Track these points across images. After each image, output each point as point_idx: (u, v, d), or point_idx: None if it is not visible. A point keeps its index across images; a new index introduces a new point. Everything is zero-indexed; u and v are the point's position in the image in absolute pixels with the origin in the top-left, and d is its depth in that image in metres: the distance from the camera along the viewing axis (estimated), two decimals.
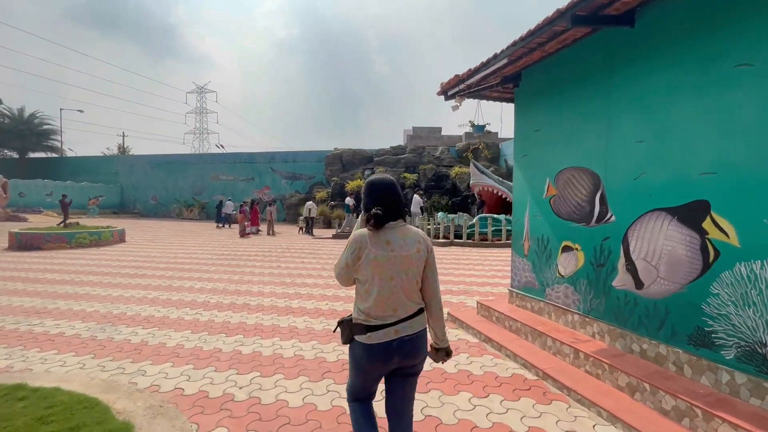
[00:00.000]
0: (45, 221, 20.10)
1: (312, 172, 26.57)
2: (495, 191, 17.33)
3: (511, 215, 16.46)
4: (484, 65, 3.67)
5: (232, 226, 20.91)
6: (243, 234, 15.91)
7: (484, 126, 4.60)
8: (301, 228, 17.49)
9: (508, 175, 21.58)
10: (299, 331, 4.23)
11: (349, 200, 16.53)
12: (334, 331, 2.08)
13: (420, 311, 1.73)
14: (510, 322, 3.92)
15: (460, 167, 22.35)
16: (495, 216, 14.35)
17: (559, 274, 3.62)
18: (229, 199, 21.70)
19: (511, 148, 23.32)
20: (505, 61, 3.50)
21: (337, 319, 1.79)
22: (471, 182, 17.75)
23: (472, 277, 7.33)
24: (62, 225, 15.43)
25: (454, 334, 4.14)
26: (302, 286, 6.54)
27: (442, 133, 30.08)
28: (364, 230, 1.67)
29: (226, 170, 28.14)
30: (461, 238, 12.86)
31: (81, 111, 34.94)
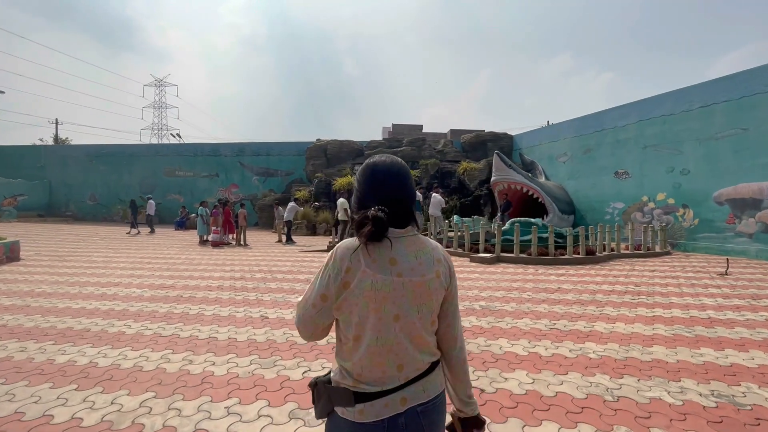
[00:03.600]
0: None
1: (290, 168, 22.42)
2: (524, 189, 14.14)
3: (545, 218, 13.38)
4: None
5: (156, 231, 16.32)
6: (214, 244, 11.77)
7: None
8: (281, 236, 13.50)
9: (524, 170, 18.53)
10: None
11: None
12: (313, 402, 1.08)
13: (434, 366, 1.09)
14: None
15: (468, 162, 19.08)
16: (529, 220, 11.03)
17: None
18: (150, 197, 16.83)
19: (527, 141, 20.48)
20: None
21: (313, 379, 1.09)
22: (493, 178, 14.43)
23: (656, 348, 3.83)
24: None
25: None
26: None
27: (424, 130, 26.97)
28: (353, 242, 1.02)
29: (184, 164, 23.42)
30: (510, 252, 9.40)
31: (2, 92, 28.74)
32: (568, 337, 3.93)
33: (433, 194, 11.95)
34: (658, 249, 10.85)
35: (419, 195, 12.12)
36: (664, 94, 12.47)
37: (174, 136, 37.20)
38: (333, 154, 20.81)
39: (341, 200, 11.40)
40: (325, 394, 1.05)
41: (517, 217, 11.93)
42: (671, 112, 12.13)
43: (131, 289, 5.96)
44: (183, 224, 19.48)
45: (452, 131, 25.18)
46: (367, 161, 1.12)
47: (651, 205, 12.72)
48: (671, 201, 12.12)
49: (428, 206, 12.46)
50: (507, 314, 4.76)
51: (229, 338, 3.85)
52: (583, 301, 5.44)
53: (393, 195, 1.06)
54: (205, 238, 12.88)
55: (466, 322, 4.42)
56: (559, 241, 9.81)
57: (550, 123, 27.69)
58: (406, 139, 20.85)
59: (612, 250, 10.22)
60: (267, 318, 4.53)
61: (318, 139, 21.85)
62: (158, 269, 7.78)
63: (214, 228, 11.65)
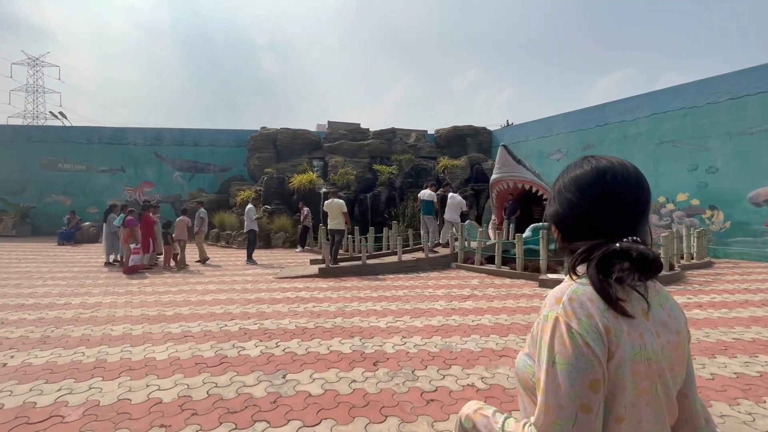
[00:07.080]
0: None
1: (226, 162, 17.95)
2: (534, 189, 12.12)
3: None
4: None
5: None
6: (129, 269, 7.47)
7: None
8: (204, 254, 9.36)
9: None
10: None
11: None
12: None
13: None
14: None
15: (447, 159, 16.77)
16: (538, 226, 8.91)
17: None
18: None
19: (511, 136, 18.59)
20: None
21: None
22: (498, 176, 12.10)
23: None
24: None
25: None
26: None
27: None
28: (586, 289, 0.69)
29: (72, 154, 17.44)
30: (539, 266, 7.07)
31: None
32: None
33: (451, 194, 9.21)
34: (704, 259, 9.49)
35: (431, 194, 9.28)
36: (684, 84, 11.40)
37: (56, 116, 29.04)
38: (284, 146, 16.94)
39: (336, 201, 7.87)
40: None
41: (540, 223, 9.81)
42: (693, 105, 11.05)
43: None
44: (71, 236, 14.00)
45: (397, 130, 22.86)
46: (590, 164, 0.76)
47: (670, 206, 11.56)
48: (695, 202, 11.02)
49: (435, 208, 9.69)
50: None
51: None
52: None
53: (638, 218, 0.74)
54: (113, 258, 8.49)
55: None
56: None
57: (510, 123, 26.85)
58: (373, 131, 17.84)
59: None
60: None
61: (263, 127, 17.73)
62: (29, 342, 3.76)
63: (134, 246, 7.34)
